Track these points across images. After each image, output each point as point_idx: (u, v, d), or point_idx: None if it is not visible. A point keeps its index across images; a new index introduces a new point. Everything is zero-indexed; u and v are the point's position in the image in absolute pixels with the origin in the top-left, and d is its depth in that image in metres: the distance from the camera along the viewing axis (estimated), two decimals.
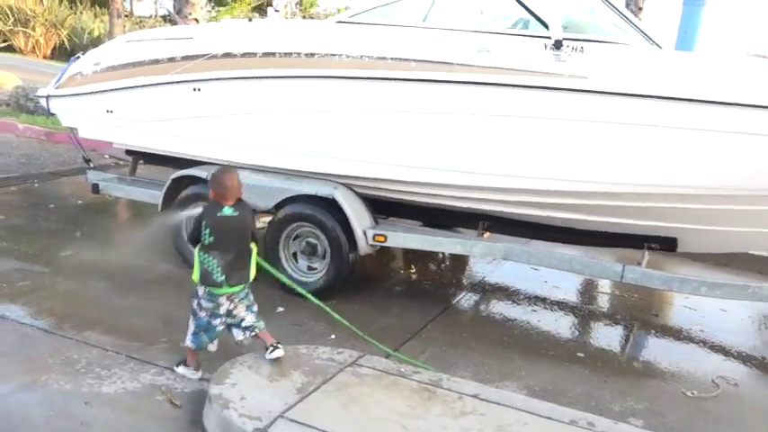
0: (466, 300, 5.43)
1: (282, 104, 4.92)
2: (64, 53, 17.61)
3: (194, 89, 5.15)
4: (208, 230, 3.55)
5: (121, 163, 8.74)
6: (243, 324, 3.71)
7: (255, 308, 3.78)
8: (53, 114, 6.18)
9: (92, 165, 6.19)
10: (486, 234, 5.19)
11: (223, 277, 3.56)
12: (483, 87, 4.37)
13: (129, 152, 6.25)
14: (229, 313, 3.67)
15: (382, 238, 4.85)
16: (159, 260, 5.42)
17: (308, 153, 4.94)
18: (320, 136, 4.86)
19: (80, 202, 7.17)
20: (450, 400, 3.46)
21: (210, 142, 5.29)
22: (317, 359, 3.77)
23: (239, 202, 3.65)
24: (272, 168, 5.14)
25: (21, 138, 9.95)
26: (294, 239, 5.10)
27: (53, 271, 5.19)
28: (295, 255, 5.11)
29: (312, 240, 5.02)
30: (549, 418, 3.36)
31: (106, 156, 8.73)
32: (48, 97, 6.01)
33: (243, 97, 5.02)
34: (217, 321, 3.65)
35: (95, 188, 5.90)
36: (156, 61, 5.35)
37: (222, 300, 3.63)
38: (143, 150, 5.85)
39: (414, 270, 5.96)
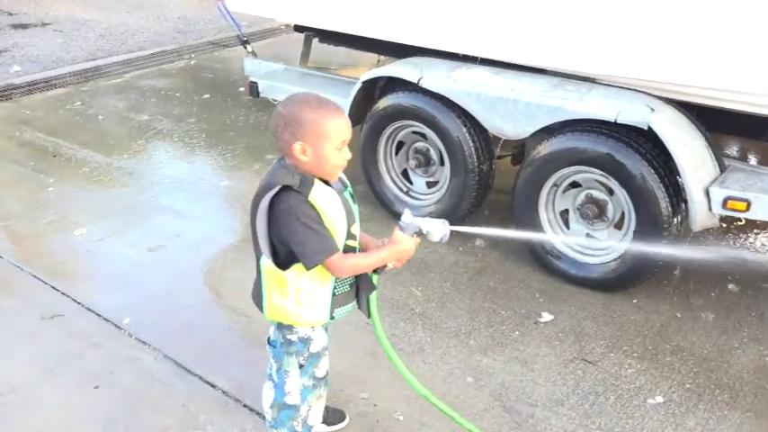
0: None
1: None
2: None
3: None
4: None
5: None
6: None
7: (285, 378, 1.90)
8: None
9: (250, 49, 4.32)
10: None
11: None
12: None
13: (298, 28, 4.35)
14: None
15: (742, 206, 2.61)
16: None
17: (610, 45, 2.74)
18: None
19: (242, 89, 5.47)
20: None
21: (421, 19, 3.22)
22: None
23: (279, 160, 1.79)
24: (528, 66, 3.01)
25: None
26: (566, 191, 3.03)
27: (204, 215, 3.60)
28: (565, 215, 3.07)
29: (599, 195, 2.92)
30: None
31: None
32: None
33: None
34: None
35: (254, 89, 4.07)
36: None
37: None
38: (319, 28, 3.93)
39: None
